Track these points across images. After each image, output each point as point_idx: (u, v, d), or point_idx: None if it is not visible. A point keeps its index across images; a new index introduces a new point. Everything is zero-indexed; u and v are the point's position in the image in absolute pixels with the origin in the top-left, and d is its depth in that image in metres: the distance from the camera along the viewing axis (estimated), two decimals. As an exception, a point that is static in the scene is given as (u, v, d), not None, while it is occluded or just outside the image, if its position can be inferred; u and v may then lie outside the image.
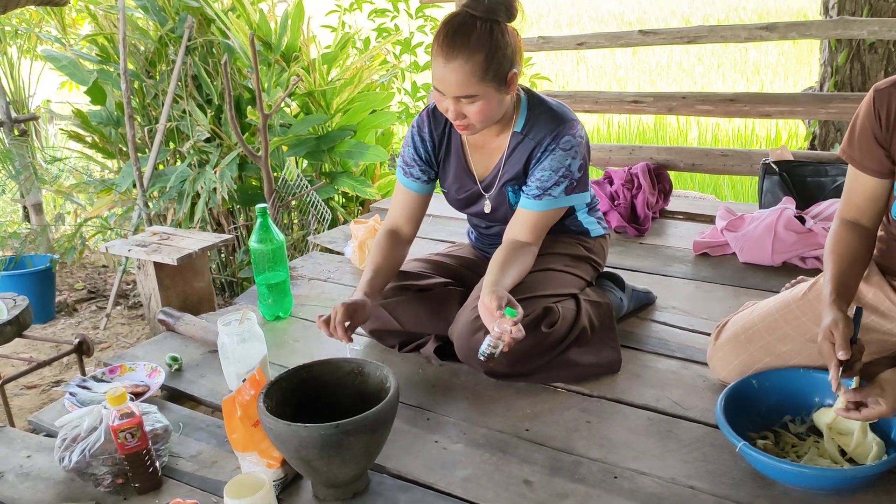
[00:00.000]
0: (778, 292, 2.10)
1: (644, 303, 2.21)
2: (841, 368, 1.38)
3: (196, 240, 2.54)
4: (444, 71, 1.70)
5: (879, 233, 1.69)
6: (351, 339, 1.75)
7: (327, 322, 1.75)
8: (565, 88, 8.27)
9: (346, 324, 1.74)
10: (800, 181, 2.66)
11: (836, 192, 2.57)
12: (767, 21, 9.43)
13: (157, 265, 2.43)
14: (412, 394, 1.85)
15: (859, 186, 1.61)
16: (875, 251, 1.69)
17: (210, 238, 2.57)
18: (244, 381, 1.59)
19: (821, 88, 4.01)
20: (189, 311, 2.45)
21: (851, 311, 1.50)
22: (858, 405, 1.38)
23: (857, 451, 1.45)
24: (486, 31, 1.69)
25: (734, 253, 2.51)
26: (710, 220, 2.86)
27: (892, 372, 1.40)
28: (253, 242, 2.20)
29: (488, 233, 2.11)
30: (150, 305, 2.50)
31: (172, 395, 1.95)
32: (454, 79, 1.70)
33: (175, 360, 2.04)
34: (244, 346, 1.83)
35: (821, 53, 4.07)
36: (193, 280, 2.53)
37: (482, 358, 1.64)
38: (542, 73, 8.35)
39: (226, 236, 2.59)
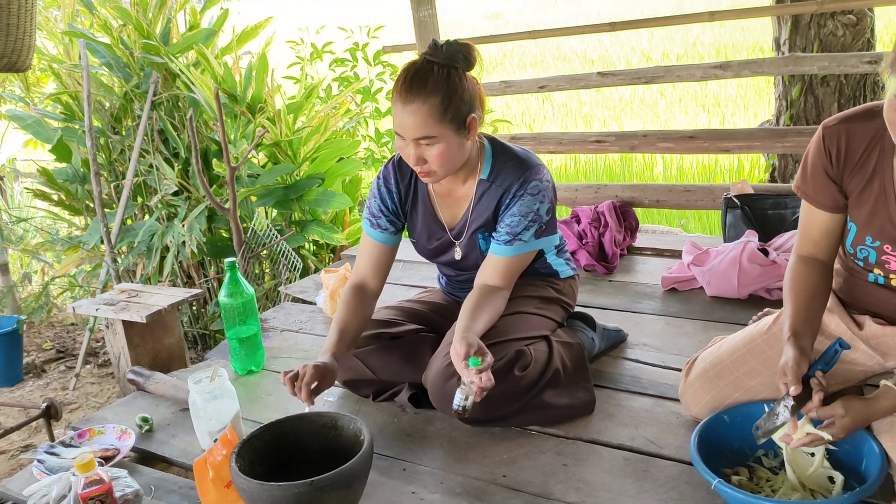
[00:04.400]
0: (745, 324, 2.13)
1: (615, 341, 2.23)
2: (793, 404, 1.41)
3: (165, 296, 2.52)
4: (402, 114, 1.74)
5: (837, 265, 1.73)
6: (313, 403, 1.72)
7: (294, 379, 1.73)
8: (531, 127, 8.38)
9: (313, 385, 1.73)
10: (761, 214, 2.71)
11: (797, 224, 2.61)
12: (724, 56, 9.56)
13: (126, 323, 2.41)
14: (387, 444, 1.83)
15: (814, 221, 1.65)
16: (834, 283, 1.73)
17: (179, 293, 2.55)
18: (216, 440, 1.57)
19: (777, 122, 4.12)
20: (160, 368, 2.43)
21: (823, 345, 1.52)
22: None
23: (811, 478, 1.47)
24: (444, 76, 1.74)
25: (702, 287, 2.54)
26: (676, 254, 2.90)
27: (849, 398, 1.42)
28: (222, 297, 2.20)
29: (459, 279, 2.12)
30: (120, 364, 2.47)
31: (143, 458, 1.92)
32: (412, 121, 1.73)
33: (145, 420, 2.01)
34: (216, 404, 1.82)
35: (775, 88, 4.19)
36: (164, 337, 2.51)
37: (457, 410, 1.64)
38: (508, 112, 8.47)
39: (195, 291, 2.58)
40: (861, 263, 1.61)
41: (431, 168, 1.80)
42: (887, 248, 1.54)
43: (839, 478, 1.46)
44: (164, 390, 2.16)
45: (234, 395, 1.86)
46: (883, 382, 1.44)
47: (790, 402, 1.41)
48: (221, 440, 1.51)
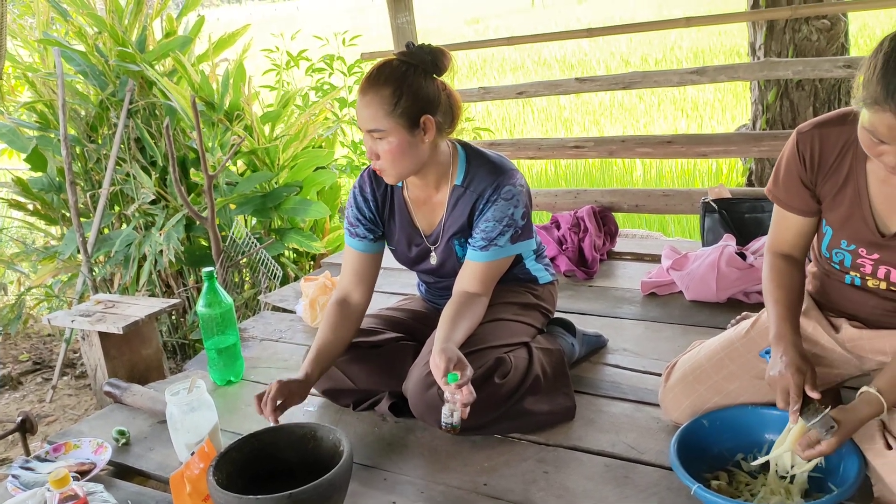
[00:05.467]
0: (724, 328, 2.14)
1: (595, 346, 2.23)
2: (800, 405, 1.42)
3: (142, 306, 2.49)
4: (359, 105, 1.78)
5: (811, 268, 1.74)
6: (277, 421, 1.69)
7: (261, 397, 1.72)
8: (512, 133, 8.41)
9: (279, 402, 1.71)
10: (738, 218, 2.73)
11: (774, 227, 2.64)
12: (702, 60, 9.64)
13: (103, 335, 2.38)
14: (368, 454, 1.82)
15: (786, 225, 1.66)
16: (809, 286, 1.75)
17: (157, 304, 2.53)
18: (193, 453, 1.55)
19: (754, 126, 4.16)
20: (137, 380, 2.40)
21: None
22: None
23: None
24: (400, 71, 1.76)
25: (681, 291, 2.55)
26: (656, 259, 2.91)
27: (834, 411, 1.43)
28: (200, 307, 2.17)
29: (438, 286, 2.12)
30: (97, 377, 2.44)
31: (120, 472, 1.90)
32: (365, 113, 1.75)
33: (122, 433, 1.98)
34: (193, 416, 1.80)
35: (751, 92, 4.23)
36: (141, 348, 2.48)
37: (445, 428, 1.63)
38: (489, 118, 8.48)
39: (173, 301, 2.55)
40: (837, 266, 1.62)
41: (383, 165, 1.80)
42: (862, 251, 1.55)
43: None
44: (142, 402, 2.14)
45: (213, 406, 1.84)
46: (863, 389, 1.45)
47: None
48: (199, 453, 1.49)
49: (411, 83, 1.75)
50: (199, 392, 1.81)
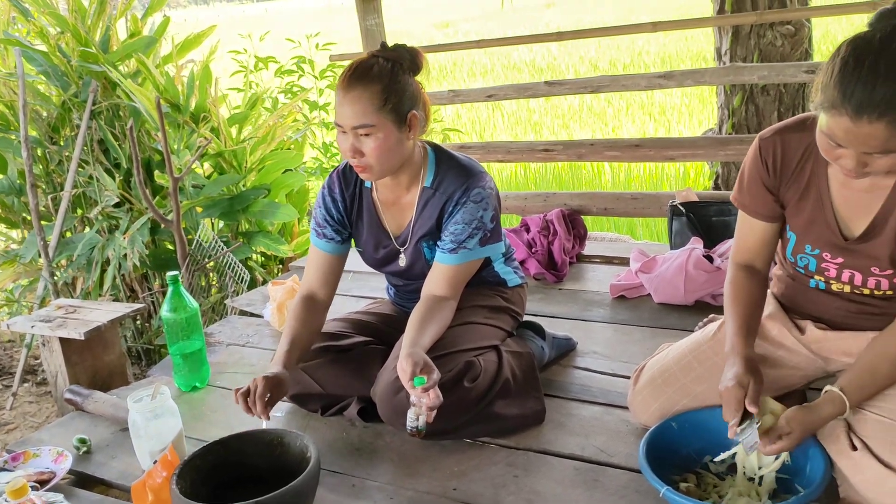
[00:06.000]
0: (692, 331, 2.16)
1: (565, 349, 2.23)
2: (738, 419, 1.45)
3: (105, 311, 2.44)
4: (343, 102, 1.74)
5: (777, 272, 1.75)
6: (269, 417, 1.67)
7: (246, 395, 1.68)
8: (482, 136, 8.42)
9: (267, 397, 1.68)
10: (706, 221, 2.76)
11: (741, 230, 2.67)
12: (669, 65, 9.74)
13: (64, 340, 2.32)
14: (336, 459, 1.80)
15: (751, 231, 1.67)
16: (775, 289, 1.76)
17: (120, 308, 2.47)
18: (156, 461, 1.52)
19: (720, 130, 4.21)
20: (100, 386, 2.35)
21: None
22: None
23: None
24: (388, 68, 1.76)
25: (649, 294, 2.57)
26: (625, 262, 2.92)
27: (797, 409, 1.45)
28: (165, 312, 2.13)
29: (407, 289, 2.10)
30: (57, 383, 2.38)
31: (81, 481, 1.85)
32: (352, 109, 1.73)
33: (83, 441, 1.94)
34: (157, 423, 1.76)
35: (718, 97, 4.27)
36: (103, 354, 2.42)
37: (411, 432, 1.61)
38: (459, 121, 8.49)
39: (137, 306, 2.50)
40: (802, 271, 1.64)
41: (368, 162, 1.78)
42: (826, 255, 1.57)
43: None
44: (104, 410, 2.09)
45: (177, 413, 1.80)
46: (827, 388, 1.47)
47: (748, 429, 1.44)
48: (161, 461, 1.46)
49: (399, 79, 1.76)
50: (162, 399, 1.77)
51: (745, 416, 1.45)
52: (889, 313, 1.53)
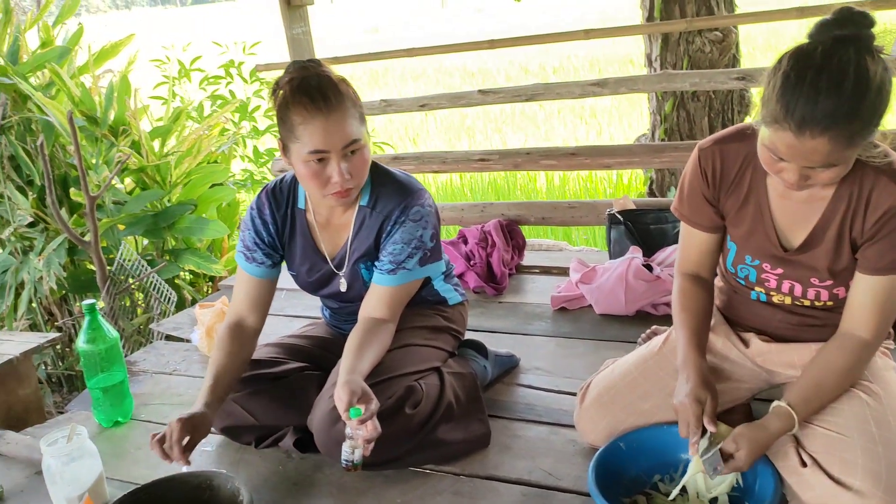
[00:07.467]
0: (635, 342, 2.14)
1: (508, 367, 2.17)
2: (699, 436, 1.42)
3: (17, 342, 2.28)
4: (326, 126, 1.62)
5: (719, 283, 1.74)
6: (189, 462, 1.56)
7: (162, 441, 1.56)
8: (415, 142, 8.36)
9: (185, 441, 1.57)
10: (643, 229, 2.75)
11: (678, 238, 2.67)
12: (598, 68, 9.90)
13: (-29, 376, 2.16)
14: (272, 496, 1.70)
15: (693, 242, 1.65)
16: (717, 301, 1.75)
17: (35, 339, 2.32)
18: (71, 516, 1.39)
19: (652, 136, 4.25)
20: (14, 423, 2.19)
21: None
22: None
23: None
24: (341, 80, 1.69)
25: (590, 305, 2.54)
26: (564, 272, 2.89)
27: (745, 427, 1.42)
28: (81, 343, 1.99)
29: (343, 312, 2.01)
30: (-35, 423, 2.20)
31: (-9, 534, 1.70)
32: (341, 130, 1.64)
33: (-6, 489, 1.79)
34: (74, 466, 1.63)
35: (649, 102, 4.31)
36: (17, 388, 2.26)
37: (346, 467, 1.53)
38: (391, 126, 8.41)
39: (52, 335, 2.34)
40: (743, 282, 1.62)
41: (356, 181, 1.70)
42: (766, 266, 1.55)
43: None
44: (17, 451, 1.94)
45: (96, 454, 1.68)
46: (775, 403, 1.44)
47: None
48: (77, 515, 1.33)
49: (354, 91, 1.71)
50: (79, 440, 1.64)
51: (703, 433, 1.42)
52: (831, 324, 1.53)
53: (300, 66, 1.70)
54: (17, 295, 3.23)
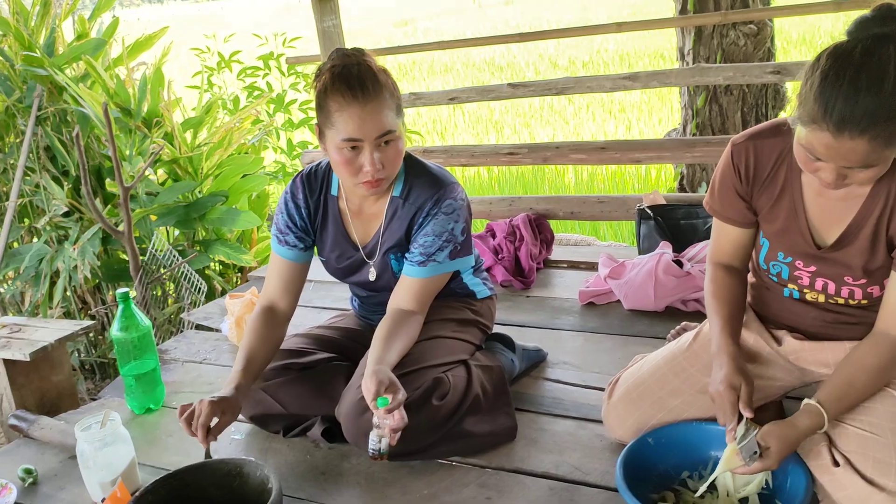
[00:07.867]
0: (664, 338, 2.13)
1: (535, 361, 2.17)
2: (735, 423, 1.40)
3: (52, 329, 2.32)
4: (362, 114, 1.64)
5: (751, 279, 1.72)
6: (208, 444, 1.58)
7: (189, 419, 1.59)
8: (443, 136, 8.35)
9: (213, 422, 1.59)
10: (674, 224, 2.72)
11: (709, 234, 2.64)
12: (628, 63, 9.77)
13: (8, 362, 2.20)
14: (300, 484, 1.72)
15: (725, 236, 1.64)
16: (749, 298, 1.72)
17: (68, 326, 2.35)
18: (103, 500, 1.42)
19: (684, 130, 4.20)
20: (48, 409, 2.23)
21: None
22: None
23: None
24: (383, 72, 1.70)
25: (619, 300, 2.52)
26: (592, 266, 2.88)
27: (773, 424, 1.40)
28: (115, 331, 2.02)
29: (371, 301, 2.02)
30: (2, 408, 2.25)
31: (26, 515, 1.74)
32: (376, 118, 1.65)
33: (29, 472, 1.82)
34: (107, 452, 1.66)
35: (681, 97, 4.26)
36: (51, 374, 2.30)
37: (372, 455, 1.54)
38: (419, 120, 8.41)
39: (86, 323, 2.37)
40: (775, 279, 1.60)
41: (388, 172, 1.71)
42: (799, 263, 1.53)
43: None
44: (51, 436, 1.97)
45: (129, 440, 1.71)
46: (805, 401, 1.43)
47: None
48: (110, 499, 1.36)
49: (392, 82, 1.72)
50: (112, 426, 1.67)
51: (739, 419, 1.41)
52: (866, 323, 1.50)
53: (343, 54, 1.72)
54: (53, 283, 3.29)
